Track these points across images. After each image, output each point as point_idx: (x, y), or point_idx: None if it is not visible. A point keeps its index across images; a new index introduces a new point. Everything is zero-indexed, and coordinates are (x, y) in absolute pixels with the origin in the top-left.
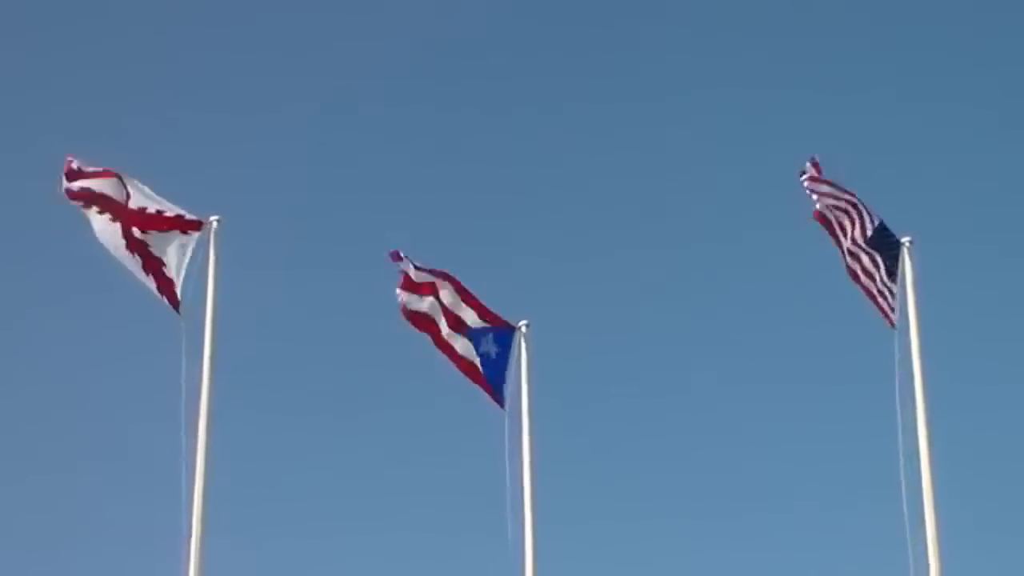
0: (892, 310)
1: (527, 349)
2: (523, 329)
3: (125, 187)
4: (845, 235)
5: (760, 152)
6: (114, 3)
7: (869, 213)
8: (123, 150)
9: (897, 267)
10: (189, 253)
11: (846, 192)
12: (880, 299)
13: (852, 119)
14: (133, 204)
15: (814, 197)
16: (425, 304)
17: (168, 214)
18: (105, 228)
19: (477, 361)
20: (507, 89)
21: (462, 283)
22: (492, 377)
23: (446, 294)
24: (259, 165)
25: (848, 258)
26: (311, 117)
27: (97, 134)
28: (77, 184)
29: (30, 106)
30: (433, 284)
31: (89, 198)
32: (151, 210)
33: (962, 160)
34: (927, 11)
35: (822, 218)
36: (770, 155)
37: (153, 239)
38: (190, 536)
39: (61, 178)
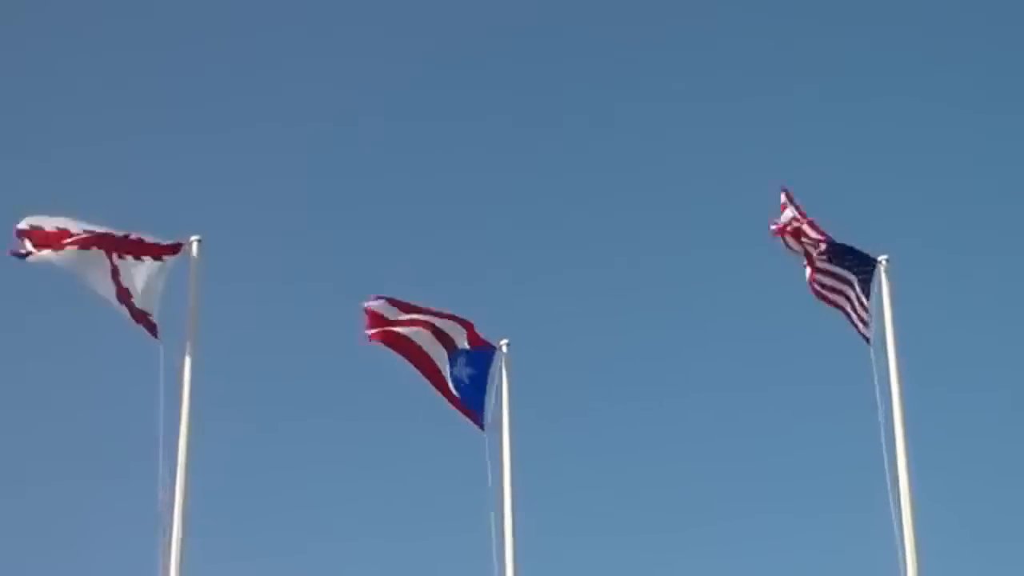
0: (866, 325)
1: (507, 368)
2: (503, 348)
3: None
4: (811, 260)
5: (740, 167)
6: (96, 21)
7: (828, 242)
8: (103, 168)
9: (871, 284)
10: (164, 278)
11: (806, 221)
12: (853, 315)
13: (829, 137)
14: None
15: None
16: (408, 330)
17: (147, 240)
18: (78, 260)
19: (453, 386)
20: (486, 107)
21: (433, 309)
22: (469, 400)
23: (431, 320)
24: (238, 185)
25: (818, 276)
26: (290, 136)
27: (78, 153)
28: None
29: (7, 125)
30: (410, 318)
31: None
32: (133, 236)
33: (938, 177)
34: (904, 27)
35: (784, 232)
36: (749, 170)
37: (125, 266)
38: (169, 548)
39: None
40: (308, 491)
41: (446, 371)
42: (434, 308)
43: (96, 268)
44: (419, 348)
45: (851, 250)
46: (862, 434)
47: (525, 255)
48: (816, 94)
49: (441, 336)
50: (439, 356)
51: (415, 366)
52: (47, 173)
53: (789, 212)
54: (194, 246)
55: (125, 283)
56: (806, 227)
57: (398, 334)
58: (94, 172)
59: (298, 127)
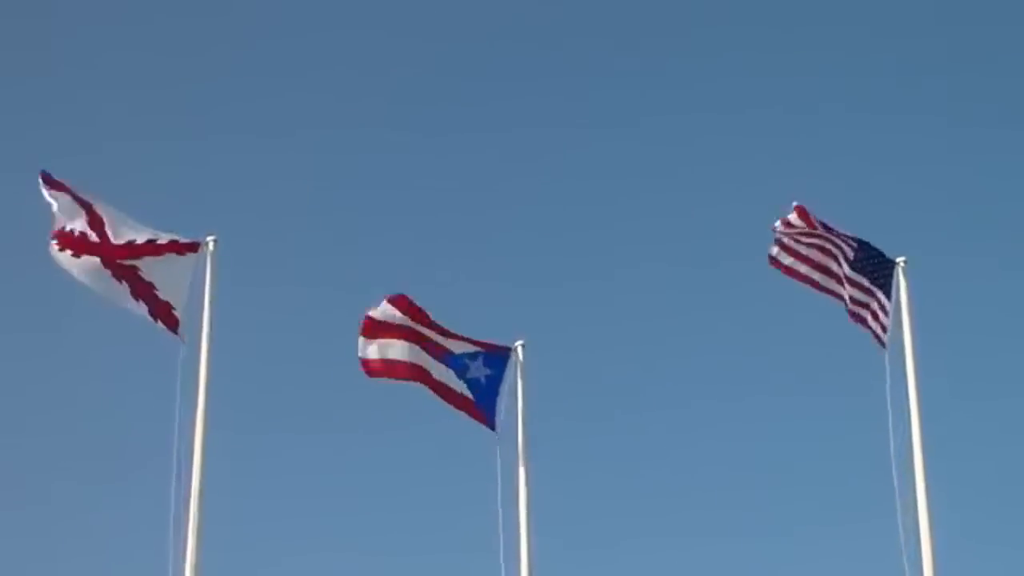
0: (884, 330)
1: (522, 369)
2: (518, 349)
3: (97, 216)
4: (829, 273)
5: (754, 174)
6: (107, 24)
7: (848, 241)
8: (117, 169)
9: (891, 286)
10: (188, 273)
11: (821, 230)
12: (872, 321)
13: (847, 139)
14: (118, 238)
15: (778, 249)
16: (398, 349)
17: (161, 242)
18: (83, 266)
19: (464, 388)
20: (501, 111)
21: (445, 327)
22: (483, 401)
23: (426, 332)
24: (254, 185)
25: (843, 286)
26: (306, 137)
27: (91, 155)
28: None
29: (19, 124)
30: (407, 328)
31: (67, 242)
32: (140, 241)
33: (955, 178)
34: (918, 31)
35: (777, 263)
36: (766, 176)
37: (144, 263)
38: (184, 553)
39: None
40: (315, 497)
41: (447, 377)
42: (442, 326)
43: (101, 275)
44: (412, 365)
45: (871, 250)
46: (877, 439)
47: (540, 257)
48: (832, 98)
49: (431, 346)
50: (431, 365)
51: (414, 379)
52: (60, 176)
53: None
54: (210, 246)
55: (147, 278)
56: (827, 242)
57: (386, 361)
58: (108, 174)
59: (313, 130)
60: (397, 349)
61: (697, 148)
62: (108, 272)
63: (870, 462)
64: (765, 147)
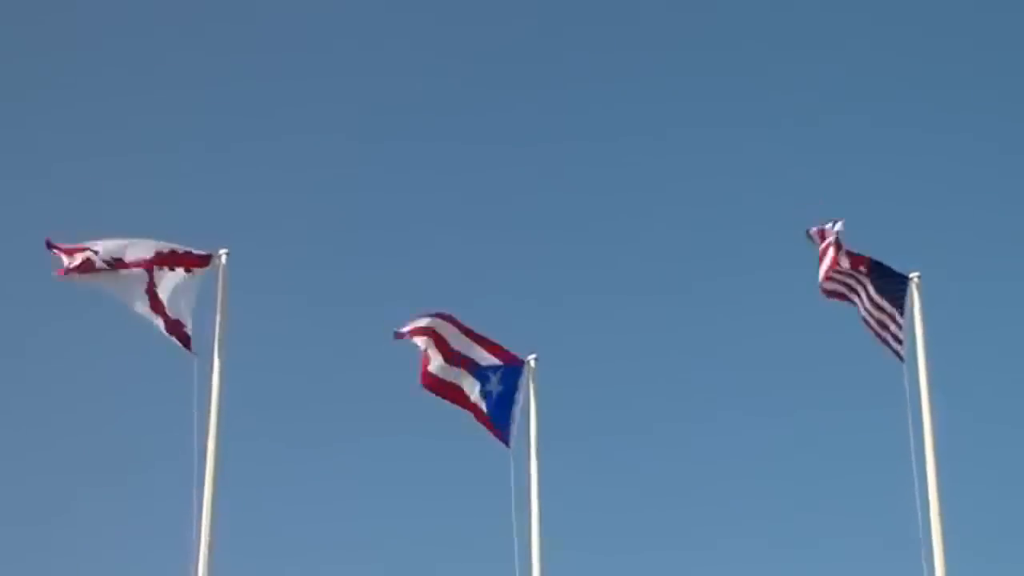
0: (900, 343)
1: (535, 383)
2: (531, 363)
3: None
4: (856, 292)
5: (766, 189)
6: (120, 34)
7: (861, 258)
8: (131, 181)
9: (904, 301)
10: (195, 289)
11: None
12: (887, 335)
13: (861, 153)
14: (144, 251)
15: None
16: (438, 366)
17: (179, 251)
18: (117, 279)
19: (482, 401)
20: (515, 126)
21: (463, 323)
22: (497, 415)
23: (451, 338)
24: (267, 199)
25: (861, 304)
26: (319, 150)
27: (105, 165)
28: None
29: (30, 133)
30: (432, 330)
31: (92, 267)
32: (165, 250)
33: (970, 193)
34: (932, 47)
35: (830, 293)
36: (777, 192)
37: (158, 277)
38: (197, 566)
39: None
40: (331, 504)
41: (474, 391)
42: (464, 325)
43: (133, 283)
44: (447, 381)
45: (883, 268)
46: (893, 452)
47: (554, 269)
48: (844, 112)
49: (460, 359)
50: (460, 378)
51: (447, 398)
52: (73, 186)
53: (827, 259)
54: (222, 258)
55: (160, 294)
56: (842, 259)
57: (432, 374)
58: (122, 185)
59: (327, 141)
60: (437, 364)
61: (709, 162)
62: (142, 283)
63: (890, 473)
64: (777, 162)
